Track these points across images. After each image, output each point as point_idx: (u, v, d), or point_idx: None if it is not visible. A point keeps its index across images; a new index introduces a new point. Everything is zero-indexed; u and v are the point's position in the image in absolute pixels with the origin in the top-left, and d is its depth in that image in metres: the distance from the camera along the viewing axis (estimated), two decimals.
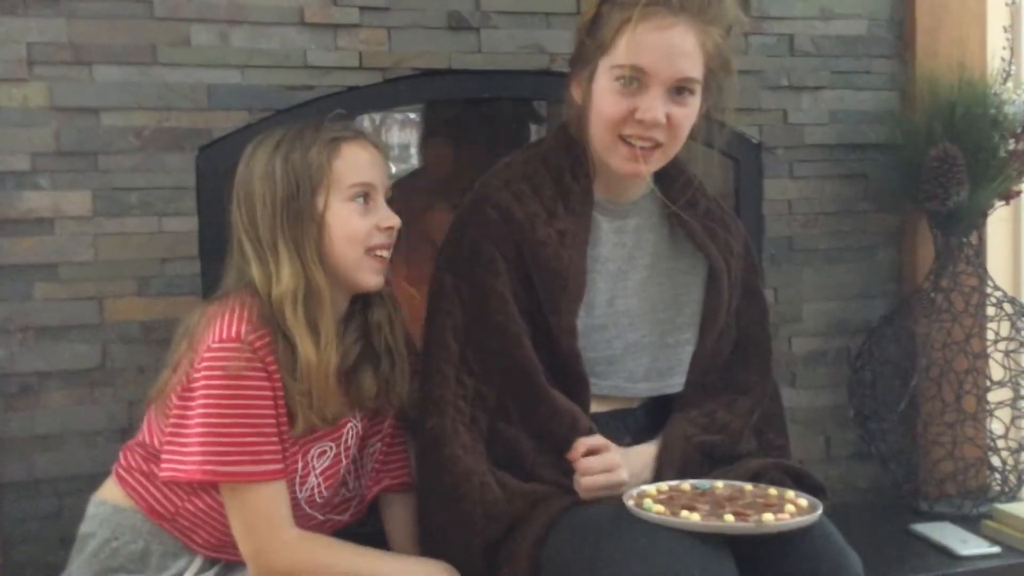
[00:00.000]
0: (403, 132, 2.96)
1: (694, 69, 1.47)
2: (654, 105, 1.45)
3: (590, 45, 1.50)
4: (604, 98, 1.48)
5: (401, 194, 2.35)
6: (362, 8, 1.88)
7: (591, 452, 1.47)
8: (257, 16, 1.83)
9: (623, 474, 1.47)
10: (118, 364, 1.78)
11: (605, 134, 1.50)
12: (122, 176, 1.77)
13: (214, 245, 1.75)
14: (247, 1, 1.82)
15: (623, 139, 1.49)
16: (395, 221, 1.51)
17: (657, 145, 1.49)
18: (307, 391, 1.42)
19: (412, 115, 2.73)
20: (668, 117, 1.47)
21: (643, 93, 1.46)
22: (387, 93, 1.93)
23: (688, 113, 1.49)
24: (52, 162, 1.74)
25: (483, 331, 1.51)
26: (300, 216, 1.44)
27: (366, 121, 2.92)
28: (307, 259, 1.44)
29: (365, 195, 1.49)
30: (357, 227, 1.47)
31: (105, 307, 1.78)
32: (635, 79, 1.46)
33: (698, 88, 1.49)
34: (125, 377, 1.78)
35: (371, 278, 1.50)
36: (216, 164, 1.79)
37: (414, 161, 2.61)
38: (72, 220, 1.75)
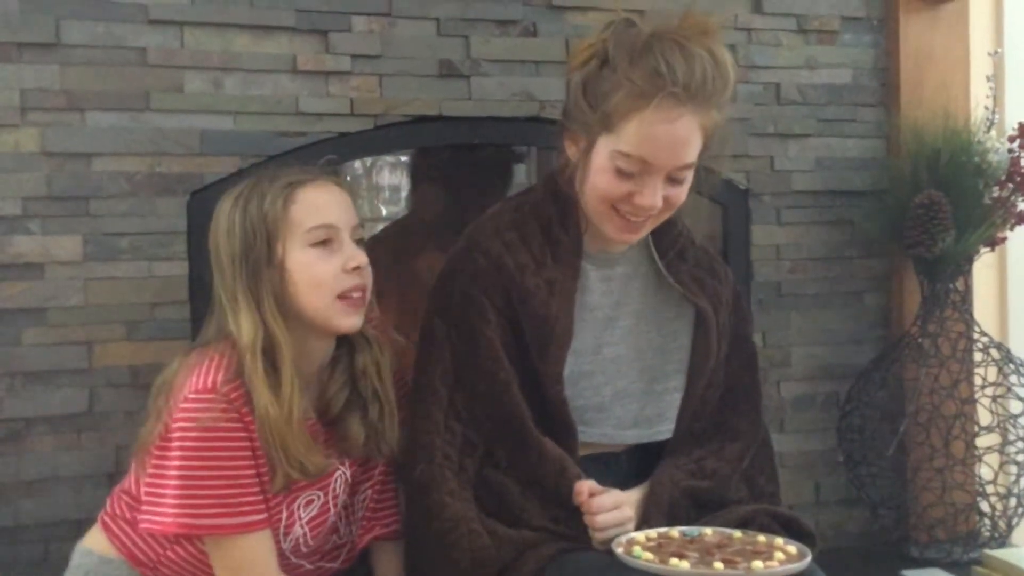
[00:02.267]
0: (394, 177, 2.98)
1: (694, 153, 1.47)
2: (654, 193, 1.46)
3: (590, 115, 1.47)
4: (602, 177, 1.47)
5: (392, 239, 2.37)
6: (354, 56, 1.90)
7: (592, 493, 1.47)
8: (250, 63, 1.85)
9: (629, 511, 1.48)
10: (106, 409, 1.78)
11: (599, 205, 1.50)
12: (113, 221, 1.78)
13: (204, 290, 1.74)
14: (240, 48, 1.84)
15: (617, 211, 1.49)
16: (360, 260, 1.47)
17: (651, 217, 1.50)
18: (277, 445, 1.39)
19: (404, 159, 2.75)
20: (664, 198, 1.47)
21: (643, 179, 1.45)
22: (378, 139, 1.95)
23: (684, 189, 1.50)
24: (43, 207, 1.75)
25: (472, 377, 1.51)
26: (258, 267, 1.43)
27: (357, 166, 2.95)
28: (265, 310, 1.42)
29: (326, 238, 1.46)
30: (320, 272, 1.44)
31: (94, 352, 1.78)
32: (637, 167, 1.45)
33: (695, 164, 1.49)
34: (113, 422, 1.77)
35: (345, 321, 1.47)
36: (208, 209, 1.77)
37: (405, 207, 2.62)
38: (62, 265, 1.76)
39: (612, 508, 1.47)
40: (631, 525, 1.48)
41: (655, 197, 1.46)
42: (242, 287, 1.43)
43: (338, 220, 1.47)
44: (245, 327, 1.41)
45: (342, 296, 1.46)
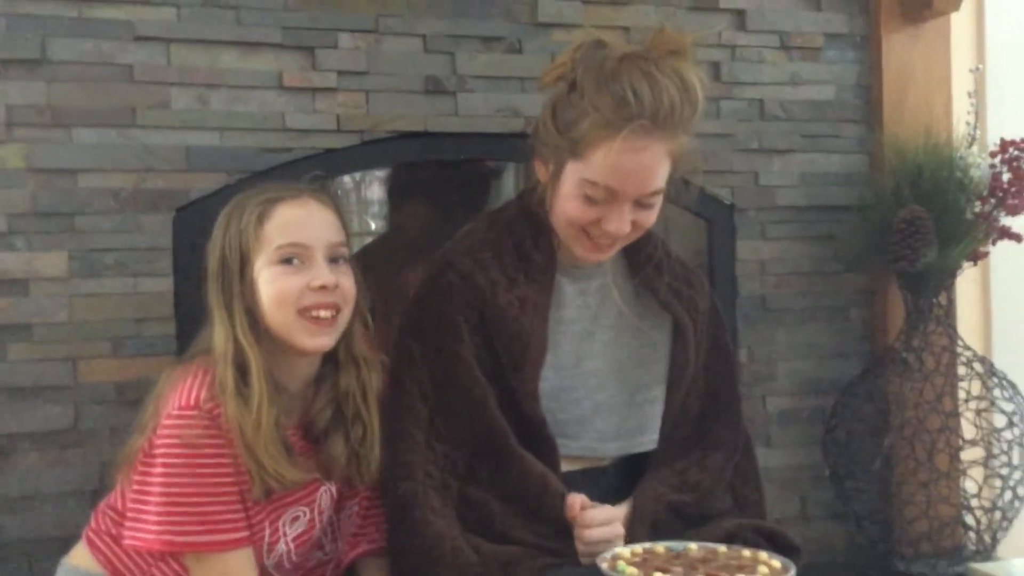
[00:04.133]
0: (381, 193, 2.98)
1: (662, 180, 1.47)
2: (621, 219, 1.46)
3: (558, 140, 1.48)
4: (570, 203, 1.48)
5: (379, 256, 2.38)
6: (340, 72, 1.91)
7: (584, 507, 1.47)
8: (236, 79, 1.85)
9: (620, 528, 1.48)
10: (91, 425, 1.77)
11: (567, 228, 1.51)
12: (99, 237, 1.78)
13: (190, 306, 1.75)
14: (226, 65, 1.85)
15: (586, 233, 1.50)
16: (325, 280, 1.43)
17: (620, 239, 1.51)
18: (248, 455, 1.39)
19: (391, 176, 2.76)
20: (632, 222, 1.48)
21: (610, 205, 1.46)
22: (364, 155, 1.96)
23: (653, 212, 1.50)
24: (29, 223, 1.75)
25: (450, 396, 1.51)
26: (231, 281, 1.44)
27: (347, 180, 2.95)
28: (236, 324, 1.42)
29: (295, 256, 1.44)
30: (284, 288, 1.42)
31: (79, 368, 1.77)
32: (604, 195, 1.45)
33: (663, 189, 1.49)
34: (98, 439, 1.77)
35: (307, 340, 1.44)
36: (193, 225, 1.80)
37: (392, 223, 2.62)
38: (47, 281, 1.76)
39: (604, 523, 1.47)
40: (621, 542, 1.48)
41: (623, 223, 1.47)
42: (217, 300, 1.44)
43: (309, 239, 1.45)
44: (218, 339, 1.43)
45: (305, 313, 1.43)
